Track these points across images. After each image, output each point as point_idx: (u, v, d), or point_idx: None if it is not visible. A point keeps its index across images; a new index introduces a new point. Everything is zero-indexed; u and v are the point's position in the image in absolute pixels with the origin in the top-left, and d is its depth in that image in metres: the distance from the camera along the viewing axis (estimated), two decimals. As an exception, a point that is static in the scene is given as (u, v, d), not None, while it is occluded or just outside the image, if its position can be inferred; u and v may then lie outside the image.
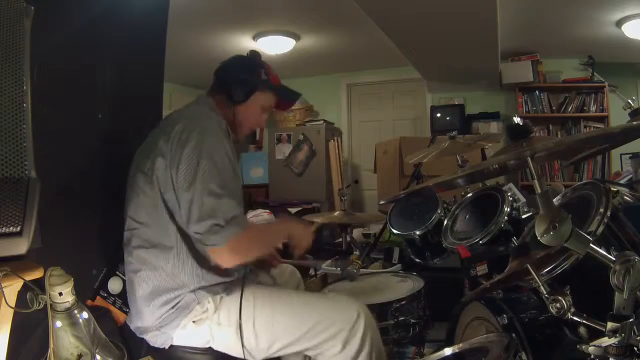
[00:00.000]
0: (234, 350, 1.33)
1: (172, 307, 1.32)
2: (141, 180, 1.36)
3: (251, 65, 1.52)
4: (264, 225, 1.45)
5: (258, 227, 1.47)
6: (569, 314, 0.91)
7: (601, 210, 1.04)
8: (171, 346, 1.34)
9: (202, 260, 1.34)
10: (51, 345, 0.86)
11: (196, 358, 1.35)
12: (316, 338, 1.31)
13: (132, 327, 1.40)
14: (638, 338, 0.86)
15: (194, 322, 1.32)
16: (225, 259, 1.29)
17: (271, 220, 3.79)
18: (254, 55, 1.57)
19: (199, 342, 1.34)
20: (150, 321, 1.34)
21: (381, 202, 2.65)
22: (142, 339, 1.38)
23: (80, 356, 0.87)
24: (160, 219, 1.34)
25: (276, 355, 1.35)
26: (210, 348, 1.35)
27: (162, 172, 1.32)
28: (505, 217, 1.59)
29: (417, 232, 1.95)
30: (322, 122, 5.28)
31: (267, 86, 1.53)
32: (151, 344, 1.37)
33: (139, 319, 1.37)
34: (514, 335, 1.18)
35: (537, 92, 4.90)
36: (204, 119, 1.38)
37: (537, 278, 0.97)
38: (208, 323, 1.32)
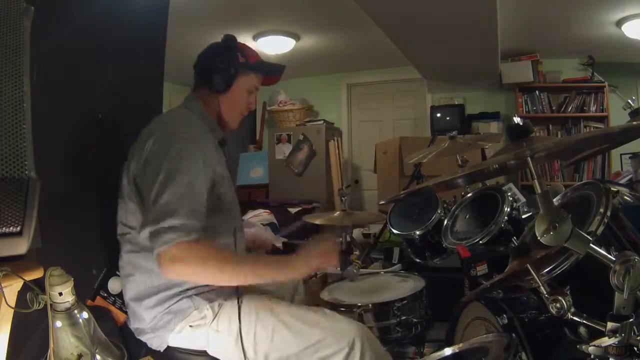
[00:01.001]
0: (230, 358, 1.32)
1: (166, 309, 1.32)
2: (125, 186, 1.37)
3: (226, 52, 1.48)
4: (258, 256, 1.36)
5: (237, 253, 1.38)
6: (569, 314, 0.91)
7: (601, 210, 1.04)
8: (168, 347, 1.34)
9: None
10: (51, 345, 0.86)
11: (194, 359, 1.35)
12: (312, 356, 1.30)
13: (131, 328, 1.41)
14: (638, 338, 0.86)
15: (190, 326, 1.31)
16: (164, 266, 1.19)
17: (271, 220, 3.79)
18: (228, 39, 1.52)
19: (195, 346, 1.34)
20: (145, 322, 1.34)
21: (381, 202, 2.65)
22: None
23: (80, 356, 0.87)
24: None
25: None
26: (207, 352, 1.34)
27: (138, 182, 1.32)
28: (505, 217, 1.59)
29: (417, 232, 1.95)
30: (322, 122, 5.28)
31: (248, 68, 1.50)
32: (148, 346, 1.37)
33: (135, 320, 1.37)
34: (514, 335, 1.18)
35: (537, 92, 4.90)
36: (179, 128, 1.35)
37: (537, 278, 0.97)
38: (205, 329, 1.32)
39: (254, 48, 1.61)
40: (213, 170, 1.36)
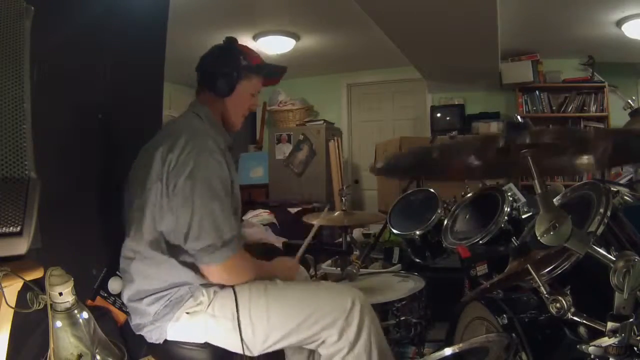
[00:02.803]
0: (230, 343, 1.34)
1: (167, 301, 1.33)
2: (136, 194, 1.37)
3: (229, 55, 1.49)
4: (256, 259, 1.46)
5: (250, 256, 1.47)
6: (569, 314, 0.91)
7: (601, 210, 1.04)
8: (168, 342, 1.35)
9: (195, 268, 1.34)
10: (51, 345, 0.86)
11: (194, 354, 1.36)
12: (312, 328, 1.32)
13: (131, 324, 1.41)
14: (638, 338, 0.86)
15: (187, 313, 1.33)
16: (217, 277, 1.33)
17: (271, 220, 3.80)
18: (230, 42, 1.53)
19: (195, 337, 1.35)
20: (148, 317, 1.35)
21: (377, 166, 2.59)
22: (142, 339, 1.39)
23: (80, 356, 0.87)
24: (151, 234, 1.34)
25: (273, 348, 1.35)
26: (206, 343, 1.35)
27: (157, 192, 1.32)
28: (505, 217, 1.58)
29: (417, 232, 1.95)
30: (322, 122, 5.28)
31: (250, 71, 1.50)
32: (147, 340, 1.38)
33: (137, 316, 1.38)
34: (514, 335, 1.18)
35: (537, 92, 4.90)
36: (202, 137, 1.37)
37: (537, 278, 0.97)
38: (202, 315, 1.33)
39: (254, 48, 1.62)
40: (232, 175, 1.40)
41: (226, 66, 1.47)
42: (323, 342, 1.34)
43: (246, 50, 1.53)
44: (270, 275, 1.48)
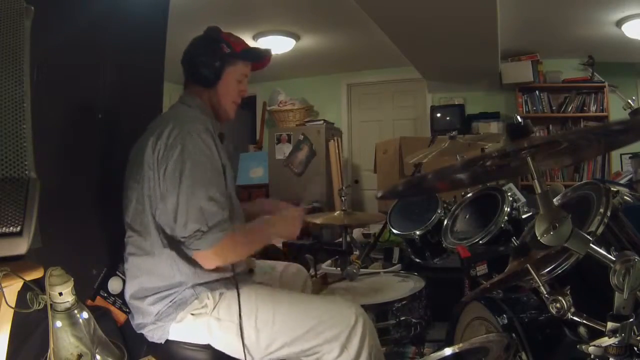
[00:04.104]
0: (232, 347, 1.33)
1: (170, 302, 1.33)
2: (133, 188, 1.37)
3: (211, 44, 1.48)
4: (252, 225, 1.44)
5: (244, 228, 1.44)
6: (569, 314, 0.91)
7: (601, 210, 1.04)
8: (169, 341, 1.35)
9: (194, 263, 1.34)
10: (51, 345, 0.86)
11: (194, 354, 1.35)
12: (314, 339, 1.31)
13: (132, 324, 1.41)
14: (638, 338, 0.86)
15: (192, 314, 1.33)
16: (209, 262, 1.32)
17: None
18: (211, 31, 1.53)
19: (197, 339, 1.34)
20: (149, 317, 1.35)
21: (379, 196, 2.64)
22: (142, 339, 1.39)
23: (80, 356, 0.87)
24: (150, 227, 1.35)
25: (275, 355, 1.34)
26: (208, 344, 1.35)
27: (151, 182, 1.33)
28: (505, 217, 1.59)
29: (417, 232, 1.95)
30: (322, 122, 5.28)
31: (234, 57, 1.50)
32: (149, 339, 1.37)
33: (139, 316, 1.38)
34: (514, 335, 1.18)
35: (537, 92, 4.90)
36: (189, 121, 1.37)
37: (537, 278, 0.97)
38: (207, 318, 1.33)
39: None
40: (222, 160, 1.40)
41: (208, 56, 1.46)
42: (323, 355, 1.32)
43: (228, 38, 1.52)
44: (271, 234, 1.50)
